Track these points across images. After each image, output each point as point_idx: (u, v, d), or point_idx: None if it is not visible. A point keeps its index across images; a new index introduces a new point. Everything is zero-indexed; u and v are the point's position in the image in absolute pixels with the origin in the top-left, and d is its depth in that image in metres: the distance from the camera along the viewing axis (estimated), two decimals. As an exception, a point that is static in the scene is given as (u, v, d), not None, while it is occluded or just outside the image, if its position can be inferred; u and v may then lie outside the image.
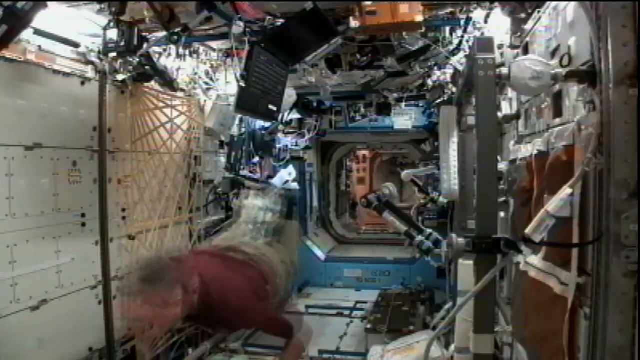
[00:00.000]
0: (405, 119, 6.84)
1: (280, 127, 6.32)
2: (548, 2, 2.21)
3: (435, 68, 4.60)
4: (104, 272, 3.65)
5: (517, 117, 2.88)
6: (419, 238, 4.22)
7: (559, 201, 1.66)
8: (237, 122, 5.43)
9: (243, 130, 5.64)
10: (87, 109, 3.53)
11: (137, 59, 3.51)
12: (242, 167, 5.54)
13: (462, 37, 3.53)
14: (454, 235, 1.98)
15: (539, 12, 2.36)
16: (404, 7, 2.81)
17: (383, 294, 6.18)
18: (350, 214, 10.47)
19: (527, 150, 2.39)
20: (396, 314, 5.28)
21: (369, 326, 4.92)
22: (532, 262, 2.14)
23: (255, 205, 3.61)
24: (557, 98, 2.06)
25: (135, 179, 4.01)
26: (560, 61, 1.86)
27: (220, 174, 5.30)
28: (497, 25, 3.02)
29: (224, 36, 3.44)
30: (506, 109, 3.08)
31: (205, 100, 4.91)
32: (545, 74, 1.78)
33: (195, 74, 4.51)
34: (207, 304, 2.44)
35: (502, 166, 2.95)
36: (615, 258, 1.46)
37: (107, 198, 3.67)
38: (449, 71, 4.40)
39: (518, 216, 2.50)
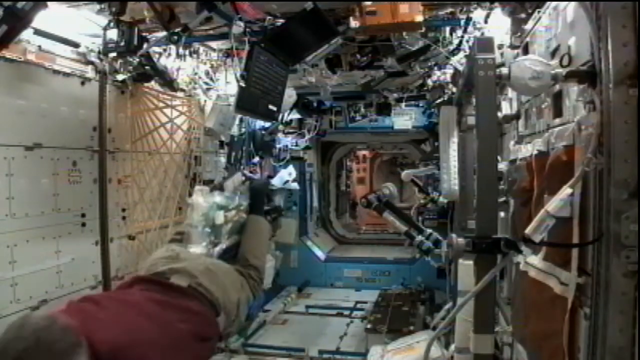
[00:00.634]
0: (405, 119, 6.83)
1: (280, 127, 6.31)
2: (548, 2, 2.21)
3: (435, 68, 4.59)
4: (104, 272, 3.66)
5: (517, 117, 2.88)
6: (419, 238, 4.21)
7: (559, 201, 1.66)
8: (237, 122, 5.42)
9: (243, 130, 5.64)
10: (87, 109, 3.54)
11: (137, 59, 3.51)
12: (242, 167, 5.54)
13: (462, 37, 3.52)
14: (454, 235, 1.98)
15: (539, 12, 2.36)
16: (404, 7, 2.81)
17: (383, 294, 6.17)
18: (350, 214, 10.46)
19: (527, 150, 2.39)
20: (396, 314, 5.27)
21: (369, 326, 4.92)
22: (532, 262, 2.14)
23: (209, 204, 2.68)
24: (557, 98, 2.07)
25: (135, 179, 4.02)
26: (560, 61, 1.86)
27: (220, 174, 5.30)
28: (497, 25, 3.02)
29: (224, 36, 3.44)
30: (506, 109, 3.09)
31: (205, 100, 4.91)
32: (545, 74, 1.78)
33: (195, 74, 4.51)
34: None
35: (502, 166, 2.94)
36: (615, 258, 1.46)
37: (107, 198, 3.68)
38: (449, 71, 4.39)
39: (518, 216, 2.50)
